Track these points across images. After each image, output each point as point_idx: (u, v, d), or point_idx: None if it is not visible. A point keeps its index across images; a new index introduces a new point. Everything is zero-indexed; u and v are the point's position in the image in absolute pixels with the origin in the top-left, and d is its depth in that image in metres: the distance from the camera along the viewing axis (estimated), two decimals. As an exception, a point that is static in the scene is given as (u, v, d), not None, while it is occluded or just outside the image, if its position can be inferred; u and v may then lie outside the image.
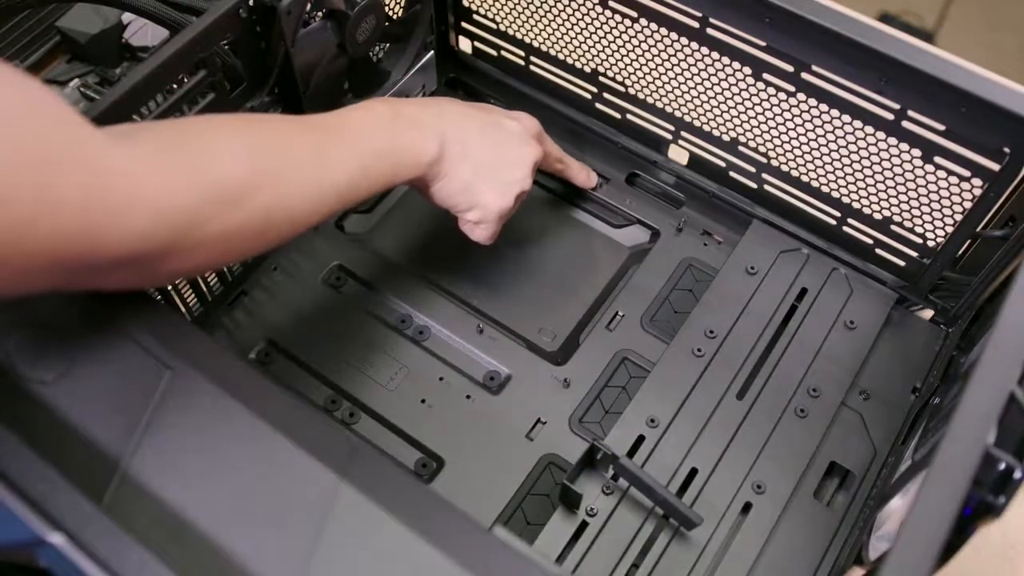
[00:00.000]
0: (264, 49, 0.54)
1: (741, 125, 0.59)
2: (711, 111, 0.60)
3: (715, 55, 0.56)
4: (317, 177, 0.44)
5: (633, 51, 0.61)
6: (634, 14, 0.58)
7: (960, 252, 0.56)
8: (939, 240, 0.56)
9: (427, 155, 0.50)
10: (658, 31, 0.58)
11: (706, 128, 0.61)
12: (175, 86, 0.49)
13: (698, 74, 0.58)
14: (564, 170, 0.63)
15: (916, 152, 0.52)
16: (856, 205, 0.58)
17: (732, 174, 0.63)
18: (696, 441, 0.54)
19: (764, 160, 0.60)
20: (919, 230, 0.56)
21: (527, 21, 0.65)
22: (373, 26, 0.60)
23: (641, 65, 0.61)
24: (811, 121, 0.56)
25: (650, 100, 0.63)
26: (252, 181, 0.40)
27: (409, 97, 0.53)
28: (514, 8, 0.65)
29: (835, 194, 0.59)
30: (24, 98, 0.31)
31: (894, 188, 0.55)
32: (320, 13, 0.56)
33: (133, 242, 0.35)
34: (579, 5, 0.61)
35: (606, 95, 0.65)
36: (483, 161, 0.53)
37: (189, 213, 0.37)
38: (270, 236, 0.42)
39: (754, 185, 0.62)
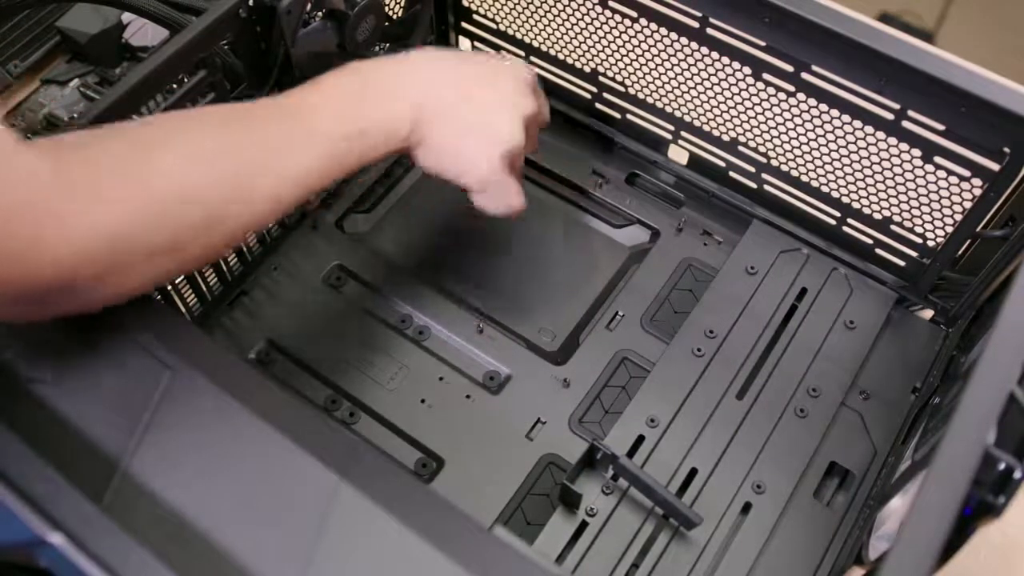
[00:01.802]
0: (264, 49, 0.54)
1: (741, 125, 0.59)
2: (711, 111, 0.60)
3: (715, 55, 0.56)
4: (278, 172, 0.42)
5: (633, 51, 0.61)
6: (634, 14, 0.58)
7: (960, 252, 0.56)
8: (939, 240, 0.56)
9: (401, 129, 0.47)
10: (658, 31, 0.58)
11: (706, 128, 0.61)
12: (175, 86, 0.50)
13: (698, 74, 0.58)
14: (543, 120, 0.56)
15: (916, 152, 0.52)
16: (856, 205, 0.58)
17: (732, 174, 0.63)
18: (696, 441, 0.54)
19: (764, 160, 0.60)
20: (919, 230, 0.56)
21: (527, 21, 0.65)
22: (373, 26, 0.60)
23: (641, 65, 0.61)
24: (811, 121, 0.56)
25: (650, 100, 0.63)
26: (199, 194, 0.38)
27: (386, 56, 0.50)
28: (514, 8, 0.65)
29: (835, 194, 0.59)
30: None
31: (894, 188, 0.55)
32: (320, 13, 0.56)
33: (50, 271, 0.33)
34: (579, 5, 0.61)
35: (606, 95, 0.65)
36: (466, 120, 0.49)
37: (116, 237, 0.35)
38: (228, 239, 0.41)
39: (754, 185, 0.62)
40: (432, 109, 0.48)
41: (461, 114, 0.49)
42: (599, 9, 0.60)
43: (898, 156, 0.53)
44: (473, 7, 0.67)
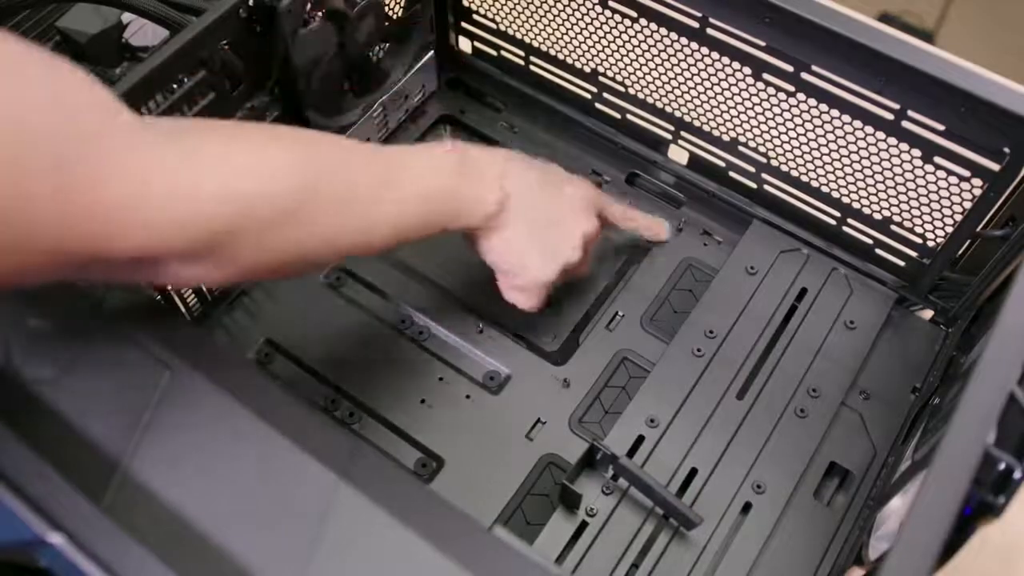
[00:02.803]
0: (264, 49, 0.54)
1: (741, 125, 0.59)
2: (711, 111, 0.60)
3: (715, 55, 0.56)
4: (369, 211, 0.42)
5: (633, 51, 0.61)
6: (634, 14, 0.58)
7: (960, 252, 0.56)
8: (939, 240, 0.56)
9: (488, 207, 0.49)
10: (658, 31, 0.58)
11: (706, 128, 0.61)
12: (175, 86, 0.50)
13: (698, 74, 0.58)
14: (633, 227, 0.61)
15: (916, 152, 0.52)
16: (856, 205, 0.58)
17: (732, 174, 0.63)
18: (696, 441, 0.54)
19: (764, 160, 0.60)
20: (919, 230, 0.56)
21: (527, 21, 0.65)
22: (373, 26, 0.60)
23: (641, 65, 0.61)
24: (811, 121, 0.56)
25: (650, 100, 0.63)
26: (295, 205, 0.38)
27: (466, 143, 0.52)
28: (514, 8, 0.65)
29: (835, 194, 0.59)
30: (53, 80, 0.30)
31: (894, 188, 0.55)
32: (320, 13, 0.56)
33: (144, 243, 0.33)
34: (579, 5, 0.61)
35: (606, 95, 0.65)
36: (539, 225, 0.51)
37: (212, 224, 0.35)
38: (308, 263, 0.41)
39: (754, 185, 0.62)
40: (516, 202, 0.50)
41: (536, 218, 0.51)
42: (599, 9, 0.60)
43: (898, 156, 0.53)
44: (473, 7, 0.67)
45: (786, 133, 0.57)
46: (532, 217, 0.51)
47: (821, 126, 0.55)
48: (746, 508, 0.52)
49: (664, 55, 0.59)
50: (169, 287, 0.53)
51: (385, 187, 0.43)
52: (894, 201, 0.56)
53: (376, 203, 0.42)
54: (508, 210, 0.50)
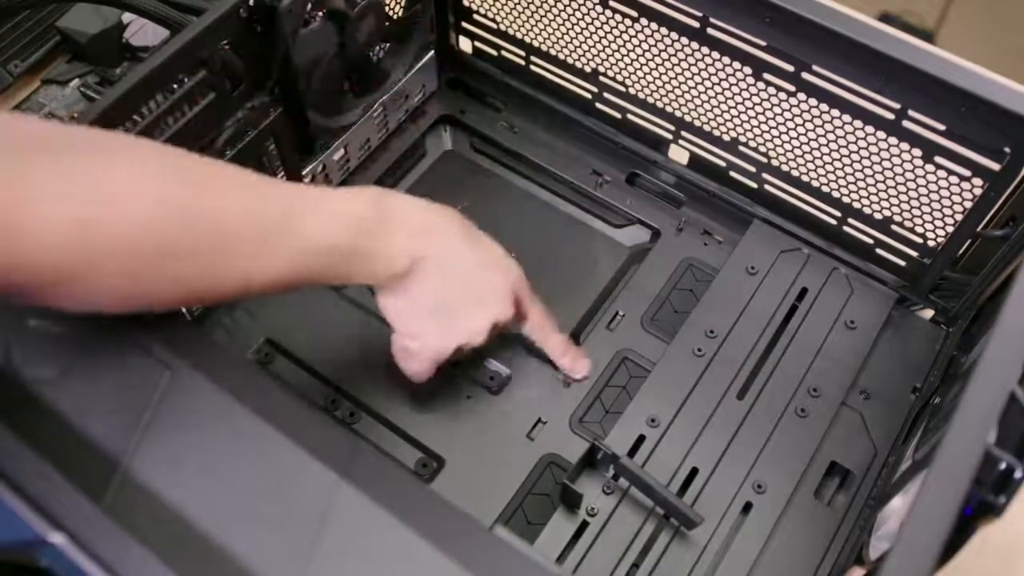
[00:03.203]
0: (264, 49, 0.54)
1: (741, 125, 0.59)
2: (711, 111, 0.60)
3: (715, 55, 0.56)
4: (243, 262, 0.38)
5: (633, 51, 0.61)
6: (634, 14, 0.58)
7: (960, 252, 0.56)
8: (939, 240, 0.56)
9: (394, 267, 0.45)
10: (658, 31, 0.58)
11: (706, 128, 0.61)
12: (175, 86, 0.49)
13: (698, 74, 0.58)
14: (543, 342, 0.56)
15: (916, 152, 0.52)
16: (856, 205, 0.58)
17: (732, 174, 0.63)
18: (696, 441, 0.54)
19: (764, 160, 0.60)
20: (919, 230, 0.56)
21: (527, 21, 0.65)
22: (373, 26, 0.60)
23: (641, 65, 0.61)
24: (811, 121, 0.56)
25: (650, 100, 0.63)
26: (153, 239, 0.35)
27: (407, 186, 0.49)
28: (514, 8, 0.65)
29: (835, 194, 0.59)
30: None
31: (894, 188, 0.55)
32: (320, 13, 0.56)
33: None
34: (579, 5, 0.61)
35: (606, 95, 0.65)
36: (448, 299, 0.48)
37: (54, 251, 0.32)
38: (183, 297, 0.39)
39: (754, 185, 0.62)
40: (429, 270, 0.46)
41: (448, 291, 0.48)
42: (599, 9, 0.60)
43: (898, 156, 0.53)
44: (473, 7, 0.67)
45: (786, 133, 0.57)
46: (443, 291, 0.48)
47: (821, 126, 0.55)
48: (747, 508, 0.52)
49: (664, 55, 0.59)
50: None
51: (272, 237, 0.39)
52: (894, 201, 0.56)
53: (256, 255, 0.39)
54: (420, 272, 0.46)
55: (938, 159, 0.52)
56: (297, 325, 0.59)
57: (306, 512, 0.35)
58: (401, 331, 0.50)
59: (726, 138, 0.61)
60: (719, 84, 0.58)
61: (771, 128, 0.58)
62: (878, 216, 0.58)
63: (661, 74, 0.60)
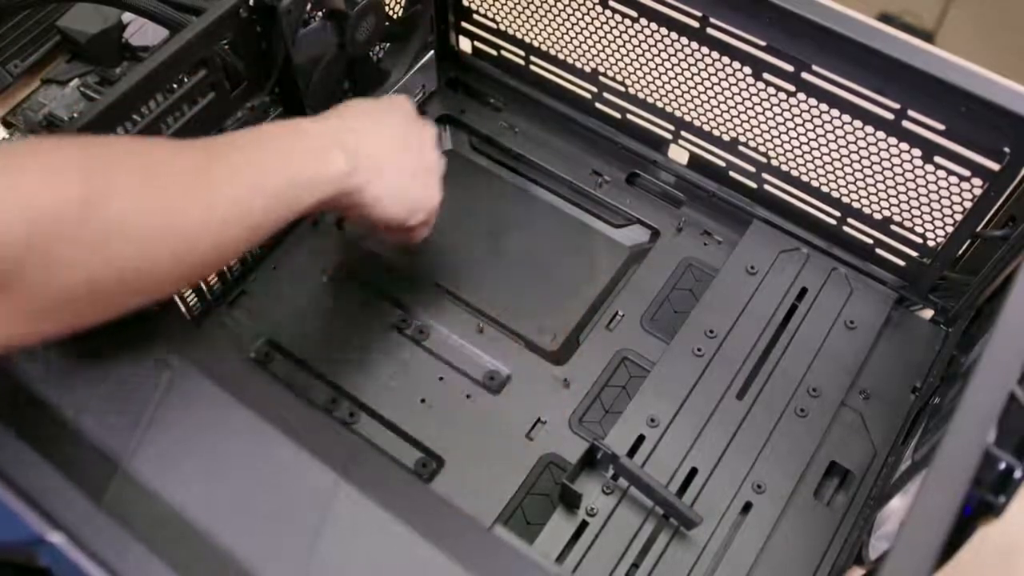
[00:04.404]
0: (264, 49, 0.54)
1: (741, 125, 0.59)
2: (711, 111, 0.60)
3: (715, 55, 0.56)
4: (189, 225, 0.36)
5: (633, 51, 0.61)
6: (634, 14, 0.58)
7: (960, 252, 0.56)
8: (939, 240, 0.56)
9: (337, 171, 0.44)
10: (658, 31, 0.58)
11: (706, 128, 0.61)
12: (175, 86, 0.50)
13: (698, 74, 0.58)
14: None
15: (916, 152, 0.52)
16: (856, 205, 0.58)
17: (732, 174, 0.63)
18: (696, 441, 0.54)
19: (764, 160, 0.60)
20: (919, 230, 0.56)
21: (527, 21, 0.65)
22: (373, 26, 0.60)
23: (641, 65, 0.61)
24: (811, 121, 0.56)
25: (650, 100, 0.63)
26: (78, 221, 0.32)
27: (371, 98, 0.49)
28: (514, 8, 0.65)
29: (835, 194, 0.59)
30: None
31: (894, 188, 0.55)
32: (320, 13, 0.56)
33: None
34: (579, 5, 0.61)
35: (606, 95, 0.65)
36: (403, 159, 0.49)
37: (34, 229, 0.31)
38: (117, 292, 0.35)
39: (754, 185, 0.62)
40: (366, 152, 0.46)
41: (396, 155, 0.49)
42: (599, 9, 0.60)
43: (898, 156, 0.53)
44: (473, 7, 0.67)
45: (786, 133, 0.57)
46: (393, 158, 0.48)
47: (821, 126, 0.55)
48: (746, 508, 0.52)
49: (664, 55, 0.59)
50: None
51: (208, 206, 0.37)
52: (894, 201, 0.56)
53: (202, 221, 0.37)
54: (363, 166, 0.46)
55: (938, 159, 0.52)
56: (297, 325, 0.59)
57: (305, 511, 0.35)
58: (402, 218, 0.50)
59: (726, 138, 0.61)
60: (719, 84, 0.58)
61: (771, 128, 0.58)
62: (878, 216, 0.58)
63: (661, 74, 0.60)
